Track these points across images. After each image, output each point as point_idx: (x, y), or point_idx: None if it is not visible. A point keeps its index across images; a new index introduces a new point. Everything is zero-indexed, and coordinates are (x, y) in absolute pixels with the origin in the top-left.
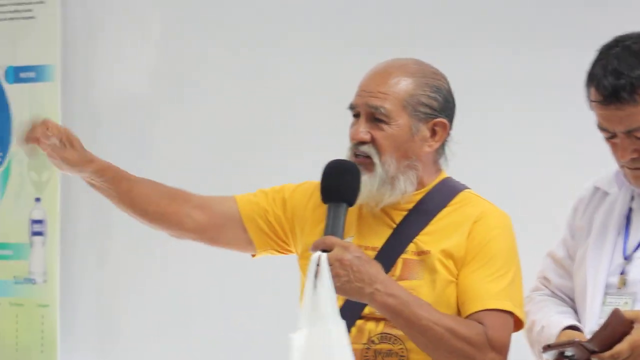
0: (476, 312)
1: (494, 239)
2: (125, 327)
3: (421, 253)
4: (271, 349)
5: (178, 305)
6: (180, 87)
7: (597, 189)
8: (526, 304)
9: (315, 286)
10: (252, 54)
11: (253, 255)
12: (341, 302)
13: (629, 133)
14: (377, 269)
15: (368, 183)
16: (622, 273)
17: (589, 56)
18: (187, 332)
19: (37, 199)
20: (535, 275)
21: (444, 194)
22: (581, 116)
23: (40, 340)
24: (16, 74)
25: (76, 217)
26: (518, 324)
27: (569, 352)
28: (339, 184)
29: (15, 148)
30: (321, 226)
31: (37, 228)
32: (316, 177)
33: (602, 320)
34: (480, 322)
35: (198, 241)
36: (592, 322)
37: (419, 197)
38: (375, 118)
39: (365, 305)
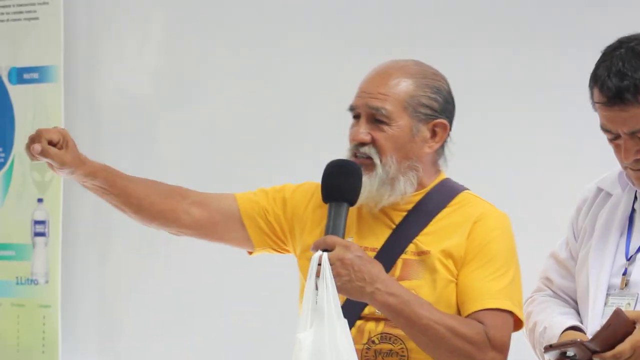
0: (476, 311)
1: (494, 240)
2: (126, 328)
3: (421, 253)
4: (274, 348)
5: (180, 306)
6: (182, 87)
7: (600, 189)
8: (528, 304)
9: (316, 286)
10: (253, 54)
11: (250, 253)
12: (341, 302)
13: (632, 134)
14: (378, 268)
15: (368, 183)
16: (624, 274)
17: (589, 56)
18: (189, 332)
19: (40, 200)
20: (536, 275)
21: (443, 194)
22: (581, 116)
23: (41, 341)
24: (19, 74)
25: (78, 218)
26: (518, 324)
27: (570, 352)
28: (341, 183)
29: (18, 149)
30: (321, 227)
31: (40, 229)
32: (317, 178)
33: (605, 321)
34: (480, 322)
35: (196, 237)
36: (594, 323)
37: (418, 197)
38: (375, 119)
39: (365, 305)
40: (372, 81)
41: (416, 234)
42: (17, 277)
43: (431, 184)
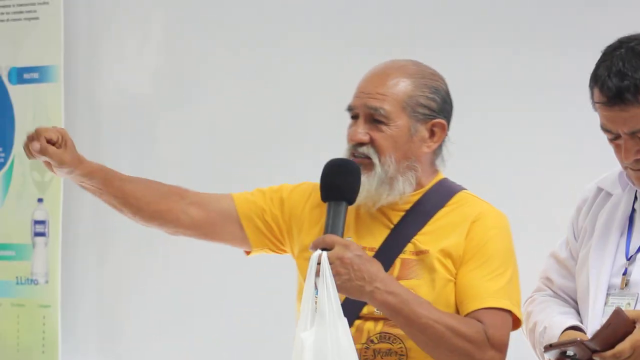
0: (475, 310)
1: (492, 239)
2: (126, 328)
3: (420, 253)
4: (273, 349)
5: (179, 306)
6: (182, 87)
7: (600, 189)
8: (528, 304)
9: (316, 285)
10: (253, 54)
11: (247, 253)
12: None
13: (632, 134)
14: (377, 267)
15: (366, 183)
16: (624, 274)
17: (589, 56)
18: (189, 332)
19: (40, 200)
20: (536, 275)
21: (441, 194)
22: (581, 116)
23: (41, 341)
24: (19, 74)
25: (78, 218)
26: (516, 323)
27: (570, 351)
28: (340, 182)
29: (18, 149)
30: (319, 226)
31: (40, 229)
32: (317, 178)
33: (605, 321)
34: (479, 321)
35: (194, 237)
36: (594, 323)
37: (416, 197)
38: (374, 119)
39: (363, 305)
40: (370, 81)
41: (414, 234)
42: (17, 277)
43: (429, 183)
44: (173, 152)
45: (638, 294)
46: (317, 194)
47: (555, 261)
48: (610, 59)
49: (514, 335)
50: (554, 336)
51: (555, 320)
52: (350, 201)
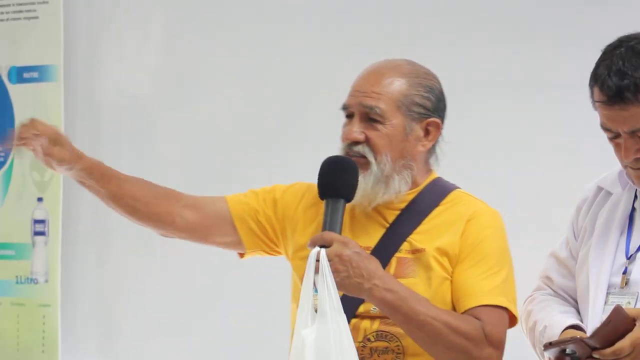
0: (472, 308)
1: (487, 238)
2: (126, 327)
3: (416, 251)
4: (270, 349)
5: (179, 306)
6: (182, 87)
7: (600, 188)
8: (528, 303)
9: (315, 282)
10: (253, 54)
11: (241, 256)
12: None
13: (632, 133)
14: (375, 264)
15: (362, 182)
16: (624, 273)
17: (589, 56)
18: (188, 332)
19: (39, 199)
20: (536, 275)
21: (435, 193)
22: (581, 116)
23: (41, 340)
24: (19, 74)
25: (78, 217)
26: (512, 320)
27: (569, 349)
28: (337, 179)
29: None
30: (313, 226)
31: (39, 228)
32: (316, 177)
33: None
34: (476, 318)
35: (188, 240)
36: (594, 322)
37: (411, 196)
38: (369, 118)
39: (359, 304)
40: (365, 80)
41: (410, 233)
42: (16, 277)
43: (424, 182)
44: (173, 152)
45: (638, 292)
46: (311, 193)
47: (555, 260)
48: (610, 58)
49: (513, 336)
50: (554, 335)
51: (555, 319)
52: (348, 199)
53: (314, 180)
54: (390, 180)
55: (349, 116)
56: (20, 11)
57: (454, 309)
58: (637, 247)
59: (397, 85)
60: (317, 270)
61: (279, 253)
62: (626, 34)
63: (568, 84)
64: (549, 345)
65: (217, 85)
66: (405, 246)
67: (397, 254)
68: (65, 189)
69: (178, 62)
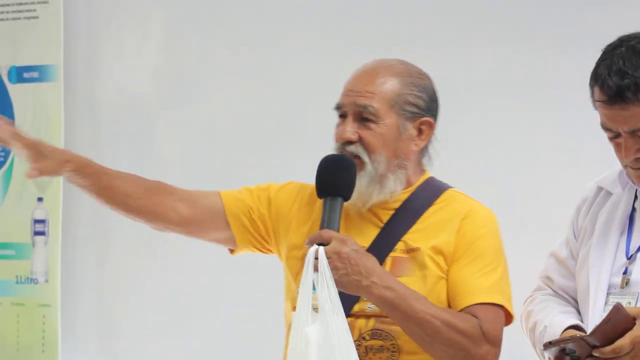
0: (468, 306)
1: (482, 236)
2: (126, 327)
3: (411, 250)
4: (270, 349)
5: (178, 306)
6: (182, 86)
7: (600, 188)
8: (529, 303)
9: (314, 279)
10: (253, 54)
11: (232, 252)
12: None
13: (633, 133)
14: (373, 262)
15: (357, 182)
16: (624, 273)
17: (589, 56)
18: (188, 332)
19: (40, 199)
20: (536, 275)
21: (429, 192)
22: (581, 115)
23: (41, 340)
24: (19, 73)
25: (78, 217)
26: (508, 318)
27: (569, 348)
28: (337, 178)
29: None
30: (308, 225)
31: (39, 228)
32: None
33: None
34: (473, 316)
35: (180, 234)
36: (595, 322)
37: (405, 196)
38: (362, 117)
39: (354, 303)
40: (358, 80)
41: (404, 232)
42: (17, 276)
43: (417, 182)
44: (173, 152)
45: (638, 293)
46: (305, 193)
47: (555, 260)
48: (611, 57)
49: (510, 333)
50: (554, 335)
51: (555, 320)
52: (346, 197)
53: (314, 179)
54: (384, 179)
55: (342, 116)
56: (20, 11)
57: (449, 307)
58: (637, 247)
59: (391, 84)
60: (315, 268)
61: (270, 251)
62: (626, 34)
63: (568, 83)
64: (548, 345)
65: (217, 84)
66: (400, 245)
67: (392, 254)
68: (65, 189)
69: (178, 61)
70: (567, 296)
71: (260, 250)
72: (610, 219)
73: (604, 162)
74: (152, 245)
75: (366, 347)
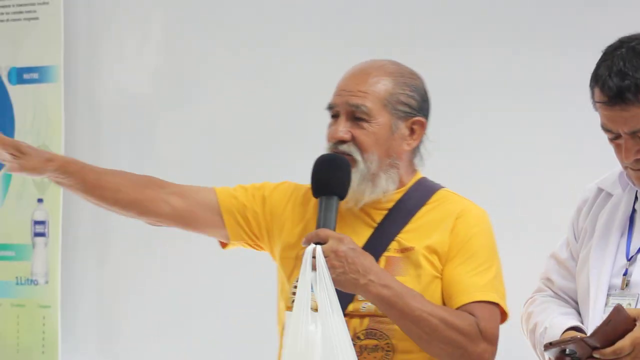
0: (464, 304)
1: (476, 235)
2: (126, 328)
3: (404, 250)
4: (270, 349)
5: (178, 306)
6: (182, 87)
7: (600, 190)
8: (529, 305)
9: (312, 278)
10: (253, 54)
11: (223, 246)
12: None
13: (633, 134)
14: (370, 260)
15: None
16: (625, 274)
17: (589, 56)
18: (188, 332)
19: (40, 200)
20: (536, 275)
21: (421, 192)
22: (581, 116)
23: (41, 341)
24: (19, 75)
25: (78, 218)
26: (503, 316)
27: (569, 349)
28: (331, 177)
29: None
30: (302, 224)
31: (39, 229)
32: None
33: None
34: (470, 314)
35: (173, 226)
36: (595, 324)
37: (398, 196)
38: (355, 117)
39: (349, 302)
40: (351, 79)
41: (398, 232)
42: (17, 278)
43: (409, 182)
44: (173, 152)
45: (638, 294)
46: (299, 193)
47: (555, 262)
48: (611, 58)
49: (510, 333)
50: (554, 336)
51: (555, 321)
52: (341, 196)
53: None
54: (376, 178)
55: (335, 116)
56: (21, 12)
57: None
58: (637, 248)
59: (383, 84)
60: (313, 267)
61: (262, 248)
62: (627, 35)
63: (568, 84)
64: (549, 346)
65: (217, 85)
66: (393, 245)
67: (386, 253)
68: (65, 190)
69: (178, 62)
70: (567, 297)
71: (252, 247)
72: (611, 221)
73: (604, 163)
74: (152, 246)
75: (361, 347)
